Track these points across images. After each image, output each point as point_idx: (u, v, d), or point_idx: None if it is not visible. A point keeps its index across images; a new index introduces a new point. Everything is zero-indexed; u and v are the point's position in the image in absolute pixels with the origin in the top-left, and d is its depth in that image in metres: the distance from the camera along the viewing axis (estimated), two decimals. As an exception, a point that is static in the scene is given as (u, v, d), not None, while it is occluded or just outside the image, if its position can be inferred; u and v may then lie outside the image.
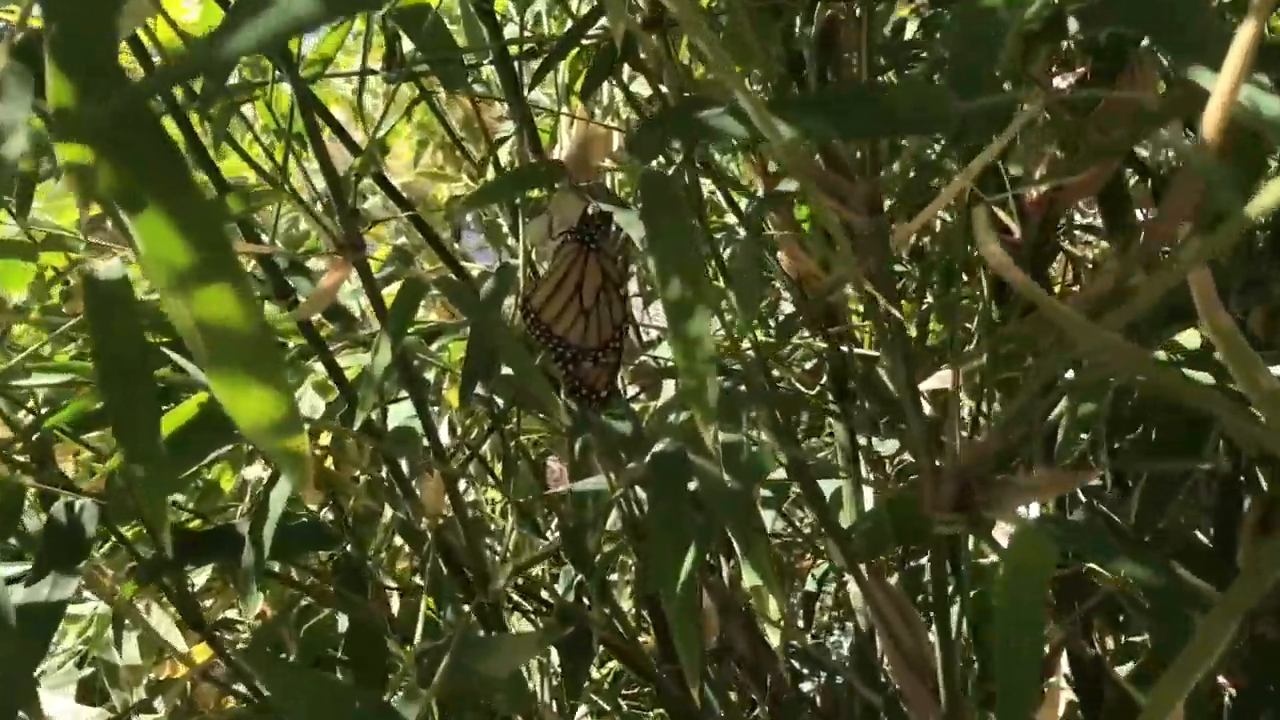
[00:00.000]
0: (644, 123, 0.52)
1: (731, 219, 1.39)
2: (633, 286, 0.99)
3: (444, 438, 0.85)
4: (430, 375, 0.88)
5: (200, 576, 1.16)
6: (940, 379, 0.82)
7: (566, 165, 0.63)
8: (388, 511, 0.92)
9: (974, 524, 0.56)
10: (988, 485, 0.57)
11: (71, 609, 0.98)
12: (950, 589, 0.93)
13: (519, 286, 0.66)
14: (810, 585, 1.25)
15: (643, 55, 0.67)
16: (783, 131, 0.36)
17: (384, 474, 0.77)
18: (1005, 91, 0.36)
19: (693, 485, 0.56)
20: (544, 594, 0.98)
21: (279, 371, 0.36)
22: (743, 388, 0.63)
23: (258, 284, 0.68)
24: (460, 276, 0.84)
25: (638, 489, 0.74)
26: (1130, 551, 0.50)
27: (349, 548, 0.87)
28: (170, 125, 0.62)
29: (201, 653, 1.29)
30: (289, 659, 1.08)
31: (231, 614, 1.35)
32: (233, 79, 0.77)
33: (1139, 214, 0.96)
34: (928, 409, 0.95)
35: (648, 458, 0.54)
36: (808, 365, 1.29)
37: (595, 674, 1.26)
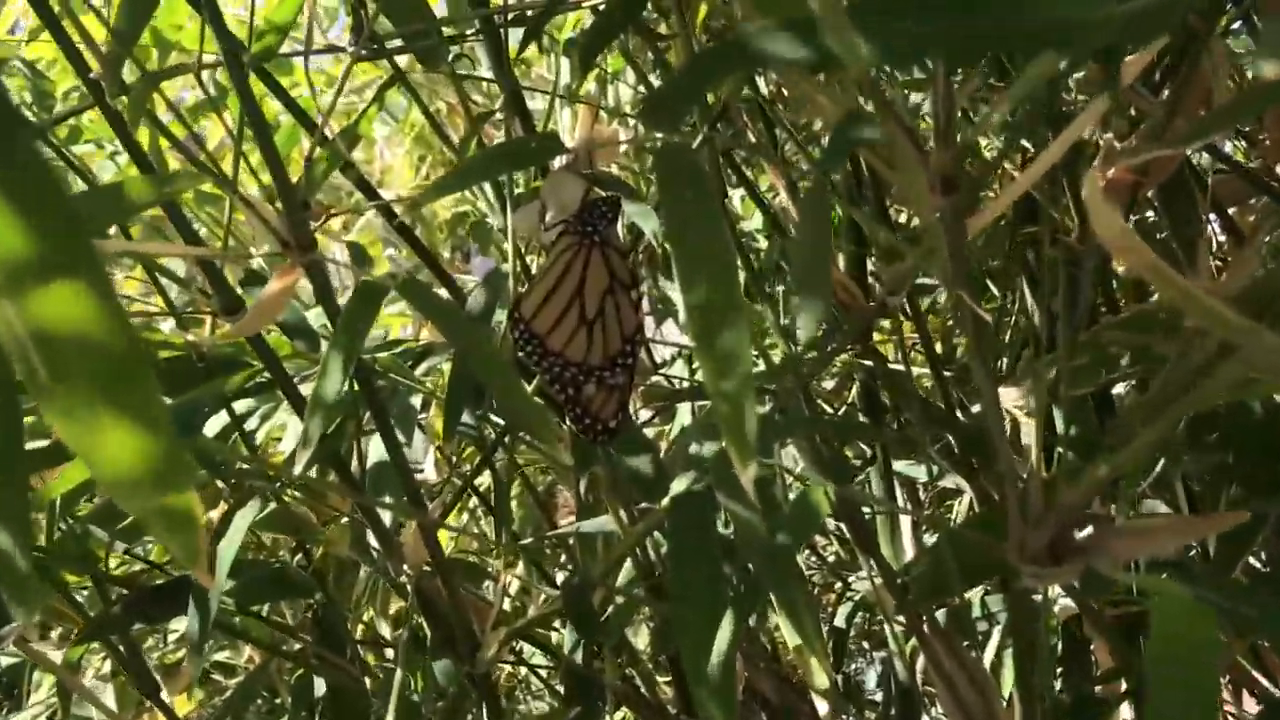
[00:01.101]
0: (661, 86, 0.42)
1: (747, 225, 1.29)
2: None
3: (429, 472, 0.74)
4: (418, 401, 0.77)
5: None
6: (1005, 396, 0.72)
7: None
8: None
9: (1071, 577, 0.45)
10: (1091, 533, 0.46)
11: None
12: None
13: (510, 293, 0.55)
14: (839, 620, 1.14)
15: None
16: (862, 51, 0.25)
17: (360, 517, 0.66)
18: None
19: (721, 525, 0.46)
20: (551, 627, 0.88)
21: (153, 401, 0.25)
22: (775, 413, 0.53)
23: (203, 298, 0.58)
24: (451, 288, 0.74)
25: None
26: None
27: (324, 599, 0.76)
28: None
29: (183, 704, 1.19)
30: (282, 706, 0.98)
31: (221, 657, 1.26)
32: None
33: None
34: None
35: (667, 499, 0.43)
36: (827, 384, 1.18)
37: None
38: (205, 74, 0.56)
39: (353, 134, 0.60)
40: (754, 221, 1.22)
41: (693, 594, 0.39)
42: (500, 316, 0.58)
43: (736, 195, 1.31)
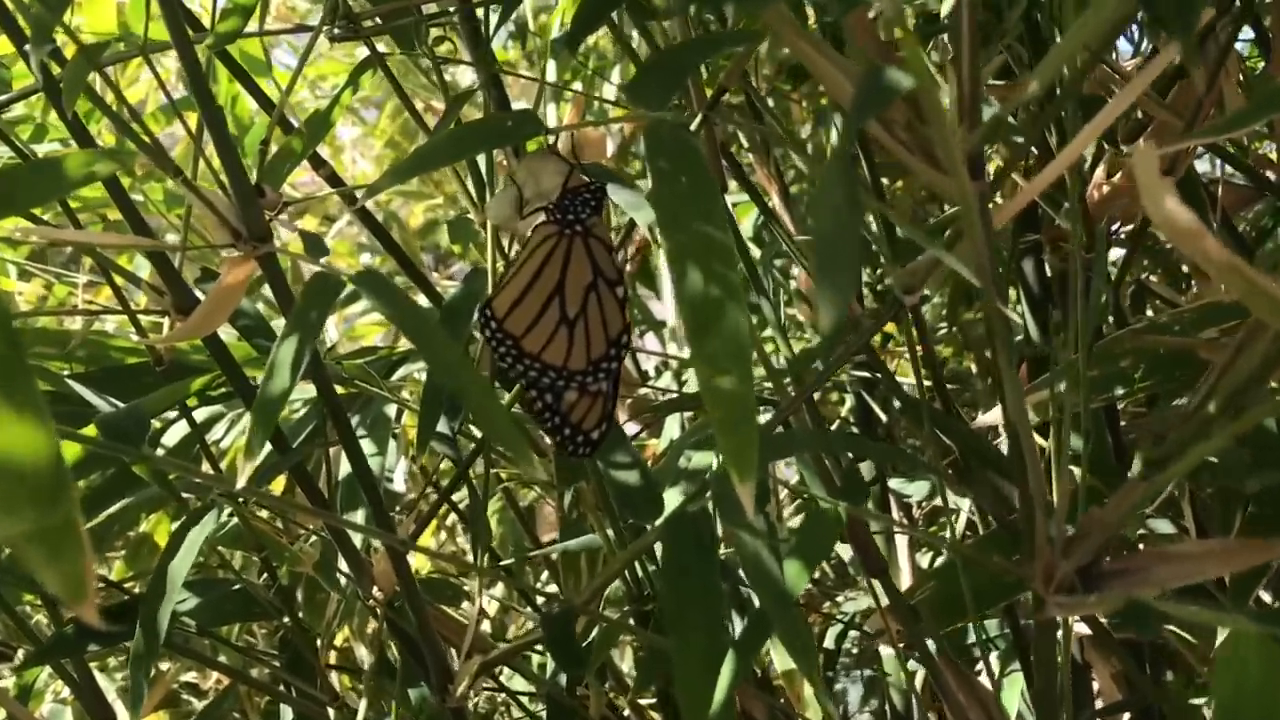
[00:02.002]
0: (651, 58, 0.38)
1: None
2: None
3: (400, 485, 0.70)
4: (391, 410, 0.73)
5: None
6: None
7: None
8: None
9: (1108, 607, 0.41)
10: (1124, 556, 0.42)
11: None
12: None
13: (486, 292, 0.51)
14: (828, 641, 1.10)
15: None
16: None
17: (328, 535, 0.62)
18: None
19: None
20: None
21: (28, 393, 0.21)
22: (777, 425, 0.48)
23: (155, 296, 0.53)
24: (430, 295, 0.69)
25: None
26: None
27: (290, 622, 0.71)
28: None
29: (157, 722, 1.14)
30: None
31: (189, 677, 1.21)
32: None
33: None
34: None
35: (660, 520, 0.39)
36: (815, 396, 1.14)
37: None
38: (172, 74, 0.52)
39: (324, 122, 0.55)
40: (745, 227, 1.18)
41: (692, 628, 0.35)
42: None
43: (729, 200, 1.27)
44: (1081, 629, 0.71)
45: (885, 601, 0.69)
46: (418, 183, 1.38)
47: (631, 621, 0.63)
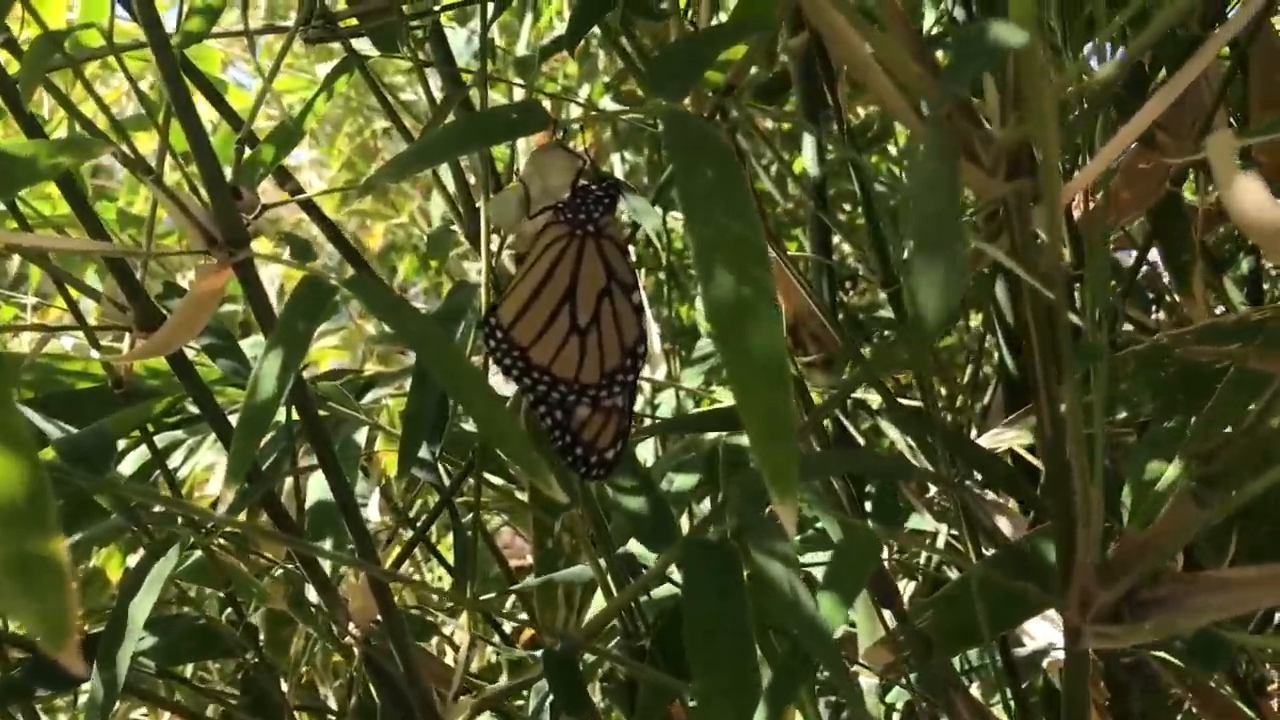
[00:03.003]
0: (670, 46, 0.35)
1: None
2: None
3: (373, 514, 0.66)
4: (361, 436, 0.69)
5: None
6: (1003, 437, 0.65)
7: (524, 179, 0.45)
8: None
9: (1155, 637, 0.38)
10: (1166, 582, 0.39)
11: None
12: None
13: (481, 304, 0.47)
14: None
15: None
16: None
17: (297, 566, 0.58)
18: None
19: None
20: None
21: (17, 435, 0.18)
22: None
23: (115, 311, 0.50)
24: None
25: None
26: None
27: (255, 659, 0.67)
28: None
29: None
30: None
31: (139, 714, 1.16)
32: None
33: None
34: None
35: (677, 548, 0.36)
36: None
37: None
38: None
39: (296, 130, 0.52)
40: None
41: (717, 666, 0.32)
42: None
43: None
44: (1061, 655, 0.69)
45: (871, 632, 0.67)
46: (371, 201, 1.35)
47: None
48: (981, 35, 0.22)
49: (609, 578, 0.51)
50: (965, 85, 0.23)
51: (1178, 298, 0.94)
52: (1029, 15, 0.20)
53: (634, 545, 0.57)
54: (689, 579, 0.35)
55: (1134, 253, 0.85)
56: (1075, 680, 0.42)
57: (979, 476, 0.59)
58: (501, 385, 0.46)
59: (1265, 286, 0.91)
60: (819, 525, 0.52)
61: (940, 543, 0.85)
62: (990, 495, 0.74)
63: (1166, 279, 0.86)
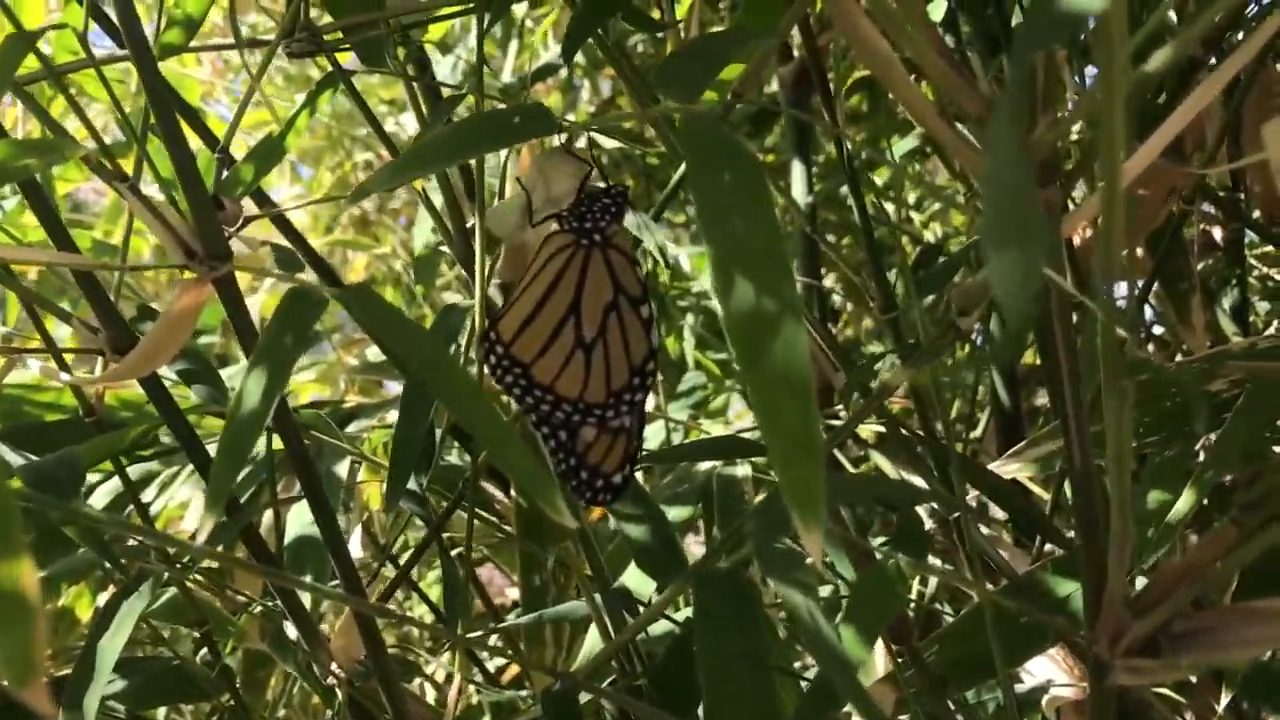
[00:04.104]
0: (681, 47, 0.33)
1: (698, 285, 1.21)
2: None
3: (355, 550, 0.64)
4: (343, 469, 0.66)
5: None
6: (1008, 468, 0.63)
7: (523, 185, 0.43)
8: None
9: (1188, 673, 0.36)
10: (1196, 614, 0.37)
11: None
12: None
13: (476, 324, 0.45)
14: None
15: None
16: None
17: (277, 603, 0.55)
18: None
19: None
20: None
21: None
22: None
23: (87, 334, 0.47)
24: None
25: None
26: None
27: (231, 702, 0.64)
28: None
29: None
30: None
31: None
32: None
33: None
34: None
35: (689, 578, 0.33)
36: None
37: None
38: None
39: (277, 148, 0.50)
40: (706, 280, 1.15)
41: (735, 700, 0.29)
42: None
43: (684, 252, 1.23)
44: (1062, 693, 0.67)
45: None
46: (353, 232, 1.33)
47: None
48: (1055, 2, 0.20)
49: (605, 614, 0.48)
50: (1035, 53, 0.21)
51: (1165, 328, 0.93)
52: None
53: (629, 579, 0.54)
54: (701, 610, 0.32)
55: (1123, 283, 0.84)
56: (1102, 715, 0.40)
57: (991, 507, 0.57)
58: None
59: (1251, 319, 0.90)
60: (827, 559, 0.50)
61: (938, 577, 0.83)
62: (985, 530, 0.72)
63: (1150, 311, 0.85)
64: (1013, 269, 0.16)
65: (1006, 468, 0.62)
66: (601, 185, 0.41)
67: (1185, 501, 0.50)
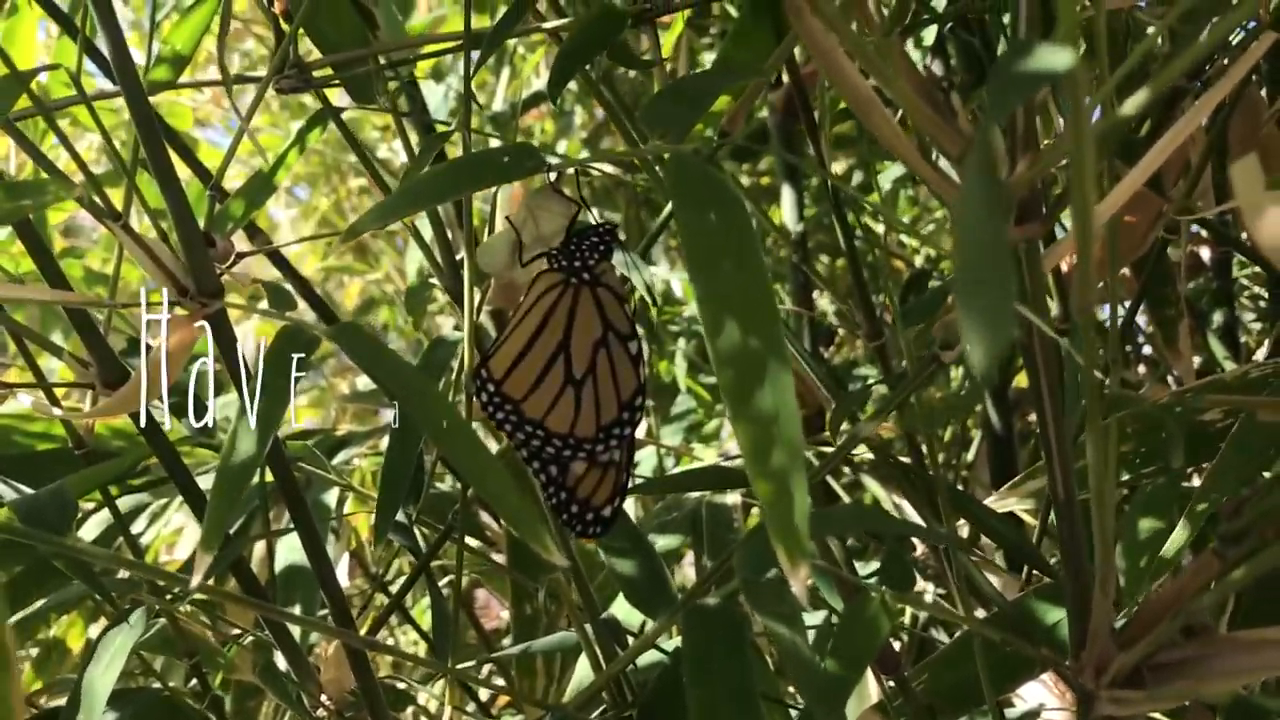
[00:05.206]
0: (672, 85, 0.33)
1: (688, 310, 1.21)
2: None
3: (343, 579, 0.64)
4: (331, 498, 0.67)
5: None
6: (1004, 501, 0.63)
7: (512, 220, 0.44)
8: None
9: (1175, 702, 0.36)
10: (1183, 643, 0.37)
11: None
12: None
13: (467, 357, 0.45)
14: None
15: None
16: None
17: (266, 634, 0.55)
18: None
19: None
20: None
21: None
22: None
23: (78, 368, 0.47)
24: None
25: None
26: None
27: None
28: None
29: None
30: None
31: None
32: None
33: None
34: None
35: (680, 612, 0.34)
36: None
37: None
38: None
39: (267, 183, 0.50)
40: (692, 307, 1.15)
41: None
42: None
43: (675, 279, 1.23)
44: (1054, 719, 0.67)
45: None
46: (349, 257, 1.33)
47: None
48: (1023, 60, 0.20)
49: (596, 645, 0.48)
50: (1007, 113, 0.22)
51: (1151, 352, 0.94)
52: (1073, 33, 0.19)
53: (618, 609, 0.55)
54: (690, 642, 0.33)
55: (1107, 308, 0.84)
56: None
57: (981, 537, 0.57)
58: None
59: (1243, 339, 0.90)
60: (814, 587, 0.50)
61: (928, 601, 0.83)
62: (977, 552, 0.72)
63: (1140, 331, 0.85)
64: (981, 318, 0.16)
65: (1001, 503, 0.62)
66: (591, 223, 0.42)
67: (1179, 535, 0.50)
